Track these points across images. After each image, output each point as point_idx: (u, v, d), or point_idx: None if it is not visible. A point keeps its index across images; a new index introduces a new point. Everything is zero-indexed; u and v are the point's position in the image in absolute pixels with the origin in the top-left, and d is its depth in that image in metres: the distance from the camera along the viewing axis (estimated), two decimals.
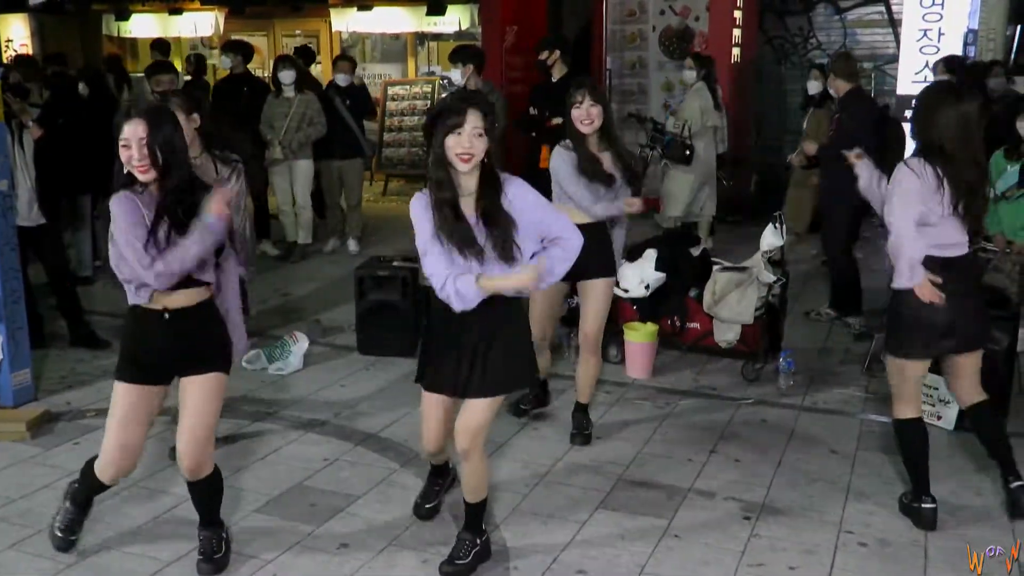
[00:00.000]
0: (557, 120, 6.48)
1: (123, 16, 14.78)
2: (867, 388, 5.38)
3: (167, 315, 3.19)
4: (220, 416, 3.42)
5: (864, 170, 3.99)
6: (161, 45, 10.75)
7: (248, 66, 9.26)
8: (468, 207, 3.13)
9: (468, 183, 3.13)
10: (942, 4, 9.45)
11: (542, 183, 3.91)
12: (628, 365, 5.64)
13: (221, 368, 3.33)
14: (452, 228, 3.09)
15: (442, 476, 3.89)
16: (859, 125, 6.13)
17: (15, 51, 13.72)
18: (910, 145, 5.53)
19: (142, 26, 14.94)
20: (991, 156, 5.44)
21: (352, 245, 8.99)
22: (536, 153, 7.20)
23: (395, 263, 6.09)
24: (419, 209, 3.15)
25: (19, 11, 14.34)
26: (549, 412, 4.96)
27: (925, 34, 9.55)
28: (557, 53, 7.31)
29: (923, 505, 3.79)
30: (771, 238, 5.60)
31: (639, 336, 5.58)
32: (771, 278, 5.57)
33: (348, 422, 4.91)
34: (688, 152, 8.02)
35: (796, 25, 11.81)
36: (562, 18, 12.23)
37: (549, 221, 3.21)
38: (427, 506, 3.83)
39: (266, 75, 11.57)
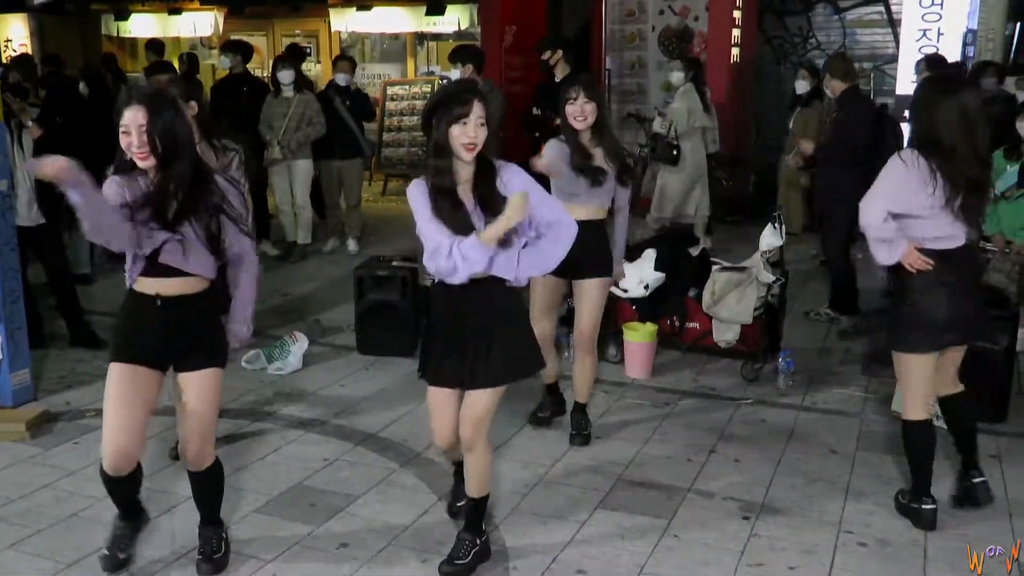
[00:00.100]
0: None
1: (122, 16, 14.78)
2: (867, 388, 5.38)
3: (159, 302, 3.14)
4: (220, 416, 3.42)
5: None
6: (155, 45, 10.74)
7: (247, 66, 9.25)
8: (465, 193, 3.18)
9: (466, 170, 3.18)
10: (941, 4, 9.46)
11: (544, 182, 3.92)
12: (627, 365, 5.64)
13: (217, 363, 3.29)
14: (450, 215, 3.13)
15: None
16: (856, 124, 6.14)
17: (15, 51, 13.72)
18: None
19: (141, 26, 14.95)
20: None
21: (351, 245, 8.99)
22: (538, 152, 7.20)
23: (394, 263, 6.09)
24: (418, 194, 3.20)
25: (19, 11, 14.35)
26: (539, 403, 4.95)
27: (924, 34, 9.55)
28: (560, 53, 7.33)
29: (923, 506, 3.79)
30: (770, 238, 5.60)
31: (638, 336, 5.58)
32: (770, 278, 5.57)
33: (348, 422, 4.91)
34: (675, 152, 8.04)
35: (795, 25, 11.82)
36: (561, 18, 12.23)
37: (544, 207, 3.25)
38: (459, 504, 3.81)
39: (265, 75, 11.55)
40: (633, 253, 5.91)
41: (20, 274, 5.13)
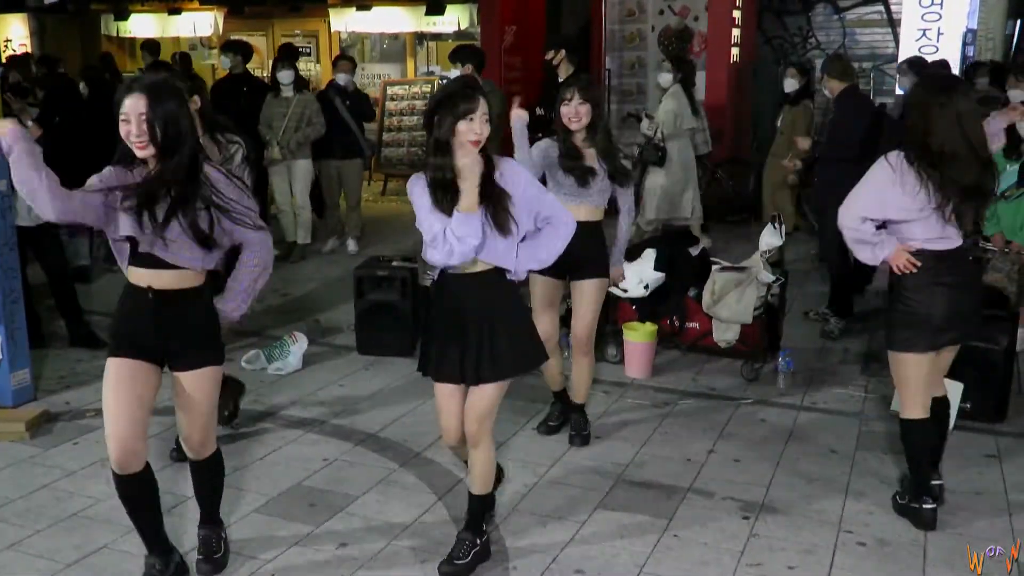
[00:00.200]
0: None
1: (122, 16, 14.78)
2: (866, 388, 5.38)
3: (151, 294, 3.07)
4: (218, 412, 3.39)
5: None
6: (151, 45, 10.74)
7: (247, 66, 9.25)
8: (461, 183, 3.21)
9: (473, 163, 3.20)
10: (941, 4, 9.47)
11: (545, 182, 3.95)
12: (627, 365, 5.64)
13: (212, 361, 3.21)
14: (450, 207, 3.16)
15: None
16: (854, 123, 6.15)
17: (14, 51, 13.72)
18: None
19: (141, 26, 14.95)
20: None
21: (351, 245, 8.99)
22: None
23: (394, 263, 6.09)
24: (418, 189, 3.24)
25: (18, 11, 14.35)
26: (546, 412, 4.95)
27: (924, 34, 9.56)
28: (563, 53, 7.33)
29: (923, 505, 3.78)
30: (770, 238, 5.61)
31: (638, 336, 5.59)
32: (770, 278, 5.57)
33: (347, 422, 4.91)
34: (660, 154, 8.05)
35: (795, 25, 11.82)
36: (561, 18, 12.23)
37: (541, 200, 3.29)
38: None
39: (264, 75, 11.55)
40: (633, 253, 5.92)
41: (20, 274, 5.13)
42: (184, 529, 3.68)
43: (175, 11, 14.67)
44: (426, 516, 3.89)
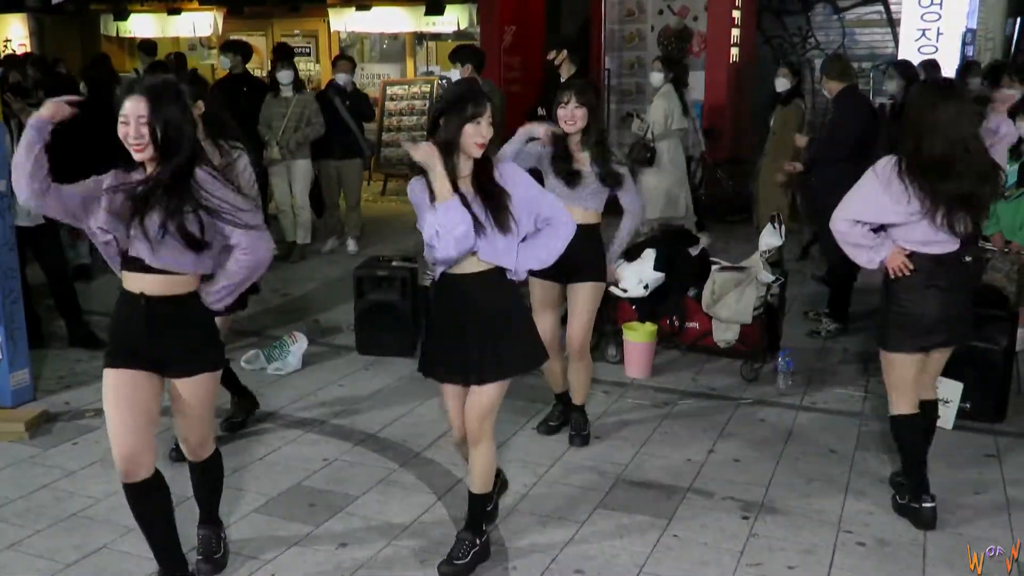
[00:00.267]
0: None
1: (122, 16, 14.78)
2: (866, 388, 5.38)
3: (143, 300, 3.01)
4: (218, 417, 3.37)
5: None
6: (147, 46, 10.74)
7: (247, 66, 9.25)
8: (465, 186, 3.23)
9: (466, 165, 3.23)
10: (940, 4, 9.47)
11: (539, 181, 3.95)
12: (627, 365, 5.64)
13: (208, 368, 3.16)
14: None
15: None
16: (852, 123, 6.15)
17: (13, 51, 13.72)
18: None
19: (141, 26, 14.95)
20: None
21: (351, 245, 9.00)
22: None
23: (394, 263, 6.09)
24: (418, 191, 3.26)
25: (18, 11, 14.35)
26: (547, 412, 4.96)
27: (924, 34, 9.57)
28: (565, 53, 7.34)
29: (923, 504, 3.79)
30: (769, 238, 5.61)
31: (638, 336, 5.59)
32: (770, 278, 5.57)
33: (347, 422, 4.91)
34: (650, 155, 8.06)
35: (795, 25, 11.83)
36: (561, 18, 12.24)
37: (540, 201, 3.32)
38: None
39: (262, 73, 11.53)
40: (633, 253, 5.92)
41: (19, 274, 5.13)
42: (184, 529, 3.67)
43: (174, 11, 14.68)
44: (426, 516, 3.90)
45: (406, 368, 5.67)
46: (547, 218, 3.31)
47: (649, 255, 5.86)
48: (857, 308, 6.50)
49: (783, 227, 5.69)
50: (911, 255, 3.64)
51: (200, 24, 14.78)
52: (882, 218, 3.63)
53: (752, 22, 11.12)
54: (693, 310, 5.79)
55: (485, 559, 3.50)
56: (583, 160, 4.30)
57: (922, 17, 9.57)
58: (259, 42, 14.38)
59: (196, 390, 3.15)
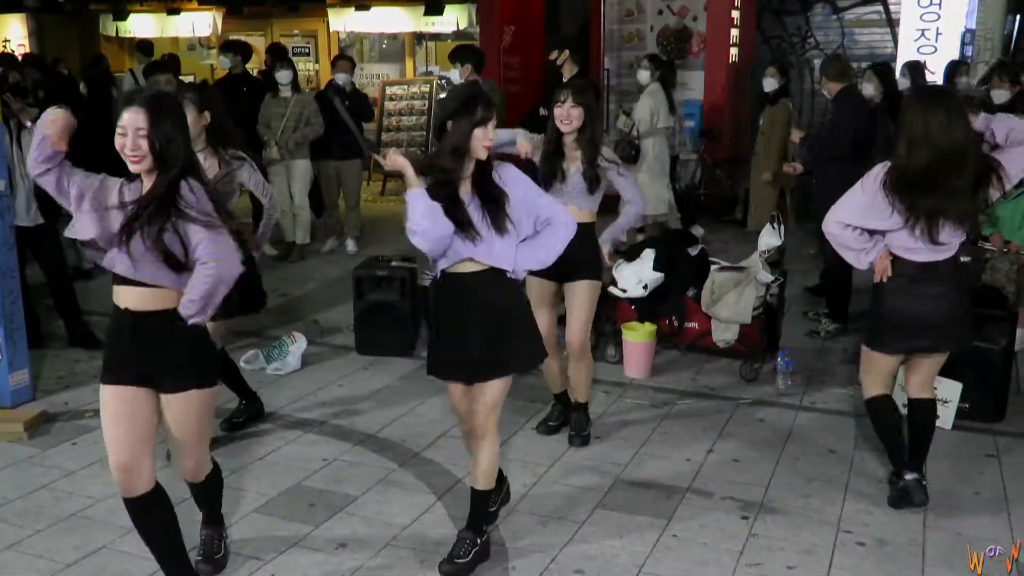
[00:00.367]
0: None
1: (121, 16, 14.79)
2: None
3: (129, 315, 2.97)
4: (217, 417, 3.34)
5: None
6: (144, 46, 10.74)
7: (247, 66, 9.25)
8: (464, 187, 3.26)
9: (468, 167, 3.26)
10: (940, 4, 9.47)
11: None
12: (627, 365, 5.64)
13: (199, 384, 3.06)
14: (450, 211, 3.20)
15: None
16: (850, 123, 6.15)
17: (12, 51, 13.72)
18: None
19: (140, 26, 14.96)
20: None
21: (350, 245, 9.00)
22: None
23: (393, 263, 6.10)
24: (418, 194, 3.27)
25: (17, 11, 14.35)
26: (546, 412, 4.96)
27: (923, 34, 9.57)
28: (567, 53, 7.35)
29: (906, 477, 3.87)
30: (769, 238, 5.61)
31: (638, 336, 5.59)
32: (769, 278, 5.57)
33: (346, 422, 4.91)
34: (634, 152, 8.09)
35: (794, 25, 11.82)
36: (560, 18, 12.23)
37: (540, 202, 3.35)
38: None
39: (255, 70, 11.50)
40: (632, 253, 5.92)
41: (18, 274, 5.13)
42: (184, 528, 3.67)
43: (174, 11, 14.69)
44: (425, 516, 3.90)
45: (405, 368, 5.67)
46: (547, 219, 3.33)
47: (648, 255, 5.86)
48: (856, 308, 6.50)
49: (782, 227, 5.69)
50: (896, 259, 3.72)
51: (199, 24, 14.79)
52: (869, 224, 3.71)
53: (751, 22, 11.11)
54: (692, 310, 5.79)
55: (485, 559, 3.50)
56: (575, 159, 4.31)
57: (921, 17, 9.57)
58: (258, 42, 14.37)
59: (185, 407, 3.05)
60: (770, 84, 8.76)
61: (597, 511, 3.94)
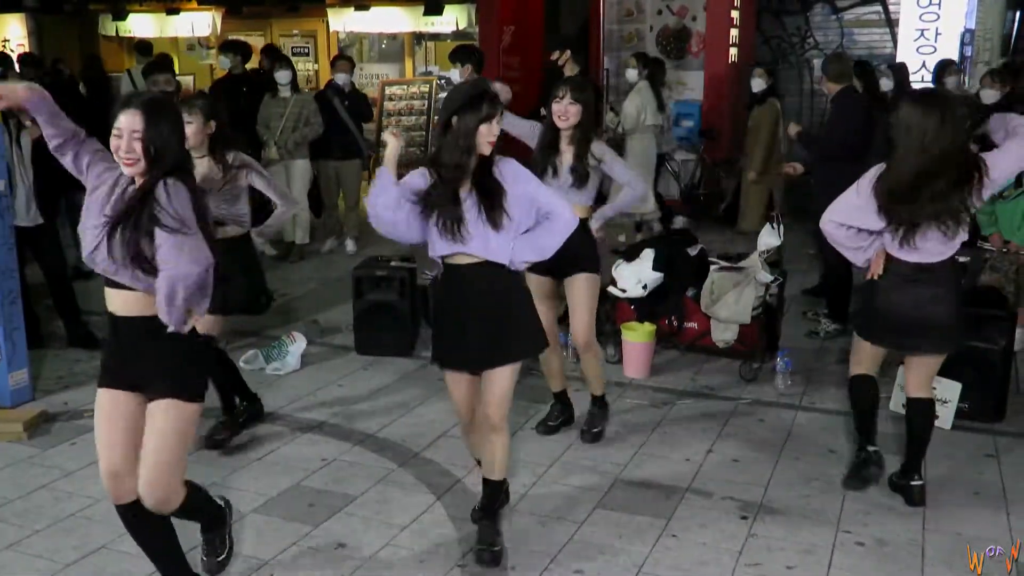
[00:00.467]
0: None
1: (120, 16, 14.79)
2: None
3: (115, 319, 2.95)
4: (192, 441, 3.19)
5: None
6: (143, 46, 10.73)
7: (246, 66, 9.25)
8: (465, 184, 3.28)
9: (471, 162, 3.27)
10: (939, 4, 9.47)
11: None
12: (626, 365, 5.64)
13: (181, 395, 2.95)
14: (446, 207, 3.24)
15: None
16: (849, 123, 6.16)
17: (11, 51, 13.71)
18: None
19: (140, 26, 14.95)
20: None
21: (350, 245, 9.00)
22: None
23: (393, 263, 6.09)
24: (417, 175, 3.34)
25: (17, 11, 14.34)
26: (546, 412, 4.96)
27: (922, 34, 9.57)
28: (568, 53, 7.37)
29: (867, 448, 4.07)
30: (768, 238, 5.60)
31: (637, 336, 5.59)
32: (768, 278, 5.57)
33: (346, 422, 4.91)
34: (617, 150, 8.16)
35: (794, 25, 11.83)
36: (560, 18, 12.25)
37: (540, 196, 3.35)
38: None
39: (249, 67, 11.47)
40: (631, 253, 5.92)
41: (18, 274, 5.13)
42: (184, 528, 3.67)
43: (173, 11, 14.68)
44: (425, 516, 3.89)
45: (405, 368, 5.67)
46: (547, 213, 3.34)
47: (648, 255, 5.86)
48: (856, 308, 6.50)
49: (782, 227, 5.69)
50: (892, 259, 3.76)
51: (199, 24, 14.78)
52: (862, 224, 3.75)
53: (751, 22, 11.12)
54: (692, 310, 5.79)
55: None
56: (570, 155, 4.32)
57: (920, 17, 9.57)
58: (258, 42, 14.33)
59: (163, 415, 2.94)
60: (758, 84, 8.81)
61: (597, 511, 3.94)
